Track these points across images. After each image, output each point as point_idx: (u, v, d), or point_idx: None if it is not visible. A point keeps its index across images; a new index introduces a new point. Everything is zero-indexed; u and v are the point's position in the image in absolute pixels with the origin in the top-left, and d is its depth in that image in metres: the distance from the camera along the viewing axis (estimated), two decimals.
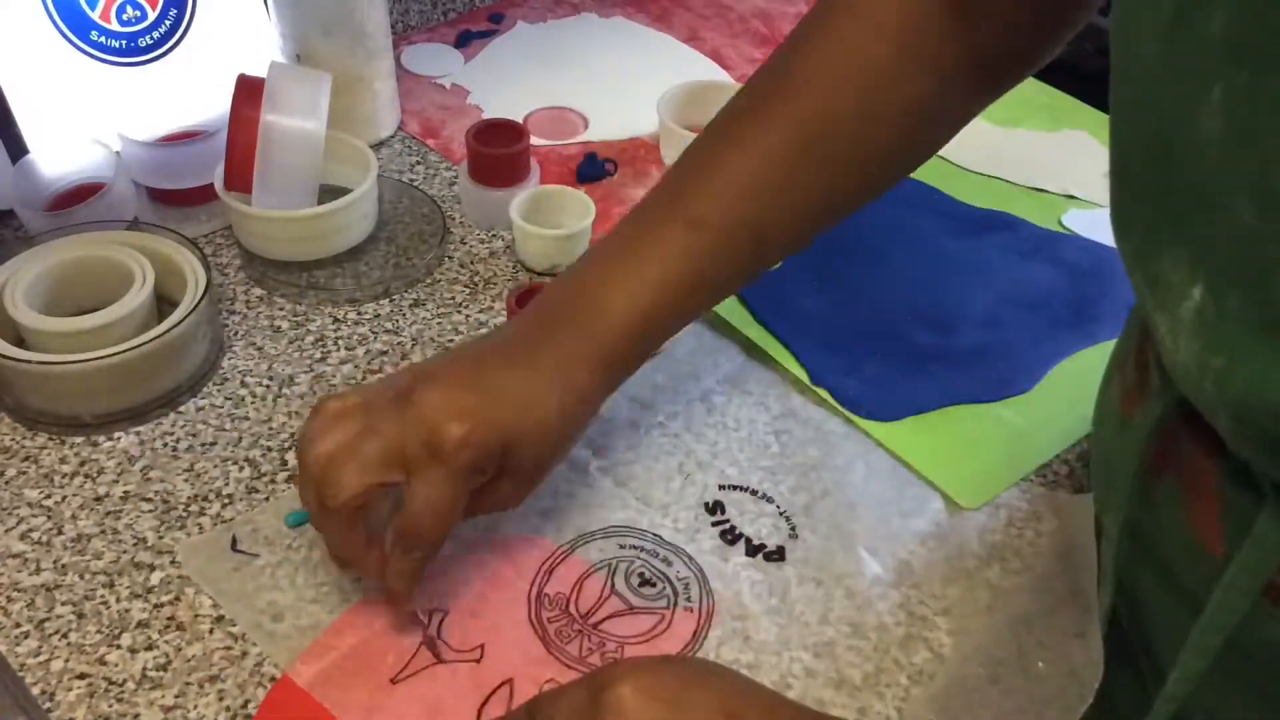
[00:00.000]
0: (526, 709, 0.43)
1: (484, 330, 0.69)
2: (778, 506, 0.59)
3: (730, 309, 0.71)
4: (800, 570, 0.56)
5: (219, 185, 0.69)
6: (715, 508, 0.59)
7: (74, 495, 0.58)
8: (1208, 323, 0.37)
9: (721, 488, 0.60)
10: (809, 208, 0.55)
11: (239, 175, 0.68)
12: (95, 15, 0.74)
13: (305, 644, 0.51)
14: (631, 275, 0.53)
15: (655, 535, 0.58)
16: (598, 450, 0.61)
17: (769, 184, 0.53)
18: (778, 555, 0.57)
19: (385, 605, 0.52)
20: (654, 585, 0.55)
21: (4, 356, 0.59)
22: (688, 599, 0.55)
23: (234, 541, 0.55)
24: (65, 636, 0.51)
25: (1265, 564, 0.40)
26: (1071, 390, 0.67)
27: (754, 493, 0.60)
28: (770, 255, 0.56)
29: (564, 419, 0.50)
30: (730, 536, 0.58)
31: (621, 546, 0.57)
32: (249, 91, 0.67)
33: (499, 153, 0.75)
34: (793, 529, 0.58)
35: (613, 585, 0.55)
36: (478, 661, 0.51)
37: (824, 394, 0.66)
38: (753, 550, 0.57)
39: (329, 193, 0.71)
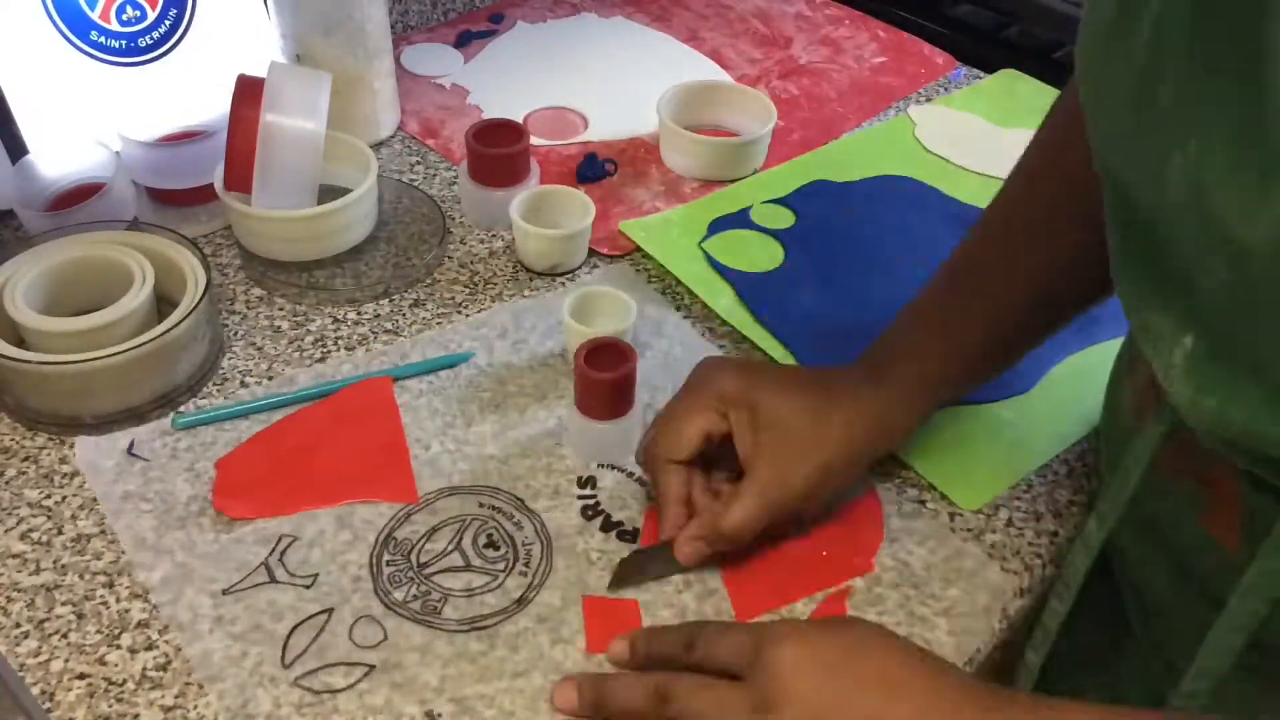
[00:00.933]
0: (687, 632, 0.48)
1: (483, 330, 0.69)
2: (647, 492, 0.60)
3: (730, 309, 0.71)
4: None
5: (219, 185, 0.69)
6: (586, 482, 0.60)
7: (74, 495, 0.58)
8: (1199, 368, 0.39)
9: (603, 465, 0.61)
10: (1090, 271, 0.53)
11: (239, 175, 0.68)
12: (95, 15, 0.74)
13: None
14: (920, 348, 0.57)
15: (516, 498, 0.59)
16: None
17: (1049, 247, 0.56)
18: (630, 537, 0.58)
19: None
20: (498, 549, 0.56)
21: (4, 357, 0.59)
22: (525, 565, 0.56)
23: (131, 445, 0.60)
24: (65, 636, 0.51)
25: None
26: (1070, 391, 0.67)
27: (630, 475, 0.61)
28: (1064, 313, 0.58)
29: (820, 399, 0.54)
30: (590, 512, 0.59)
31: (480, 505, 0.58)
32: (249, 91, 0.67)
33: (499, 153, 0.75)
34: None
35: (459, 542, 0.56)
36: (307, 588, 0.54)
37: None
38: (608, 526, 0.58)
39: (329, 193, 0.71)
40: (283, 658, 0.51)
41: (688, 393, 0.56)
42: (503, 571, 0.55)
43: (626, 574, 0.55)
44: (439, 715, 0.49)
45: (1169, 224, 0.39)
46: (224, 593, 0.53)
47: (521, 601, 0.54)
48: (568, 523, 0.58)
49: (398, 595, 0.54)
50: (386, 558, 0.55)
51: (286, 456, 0.59)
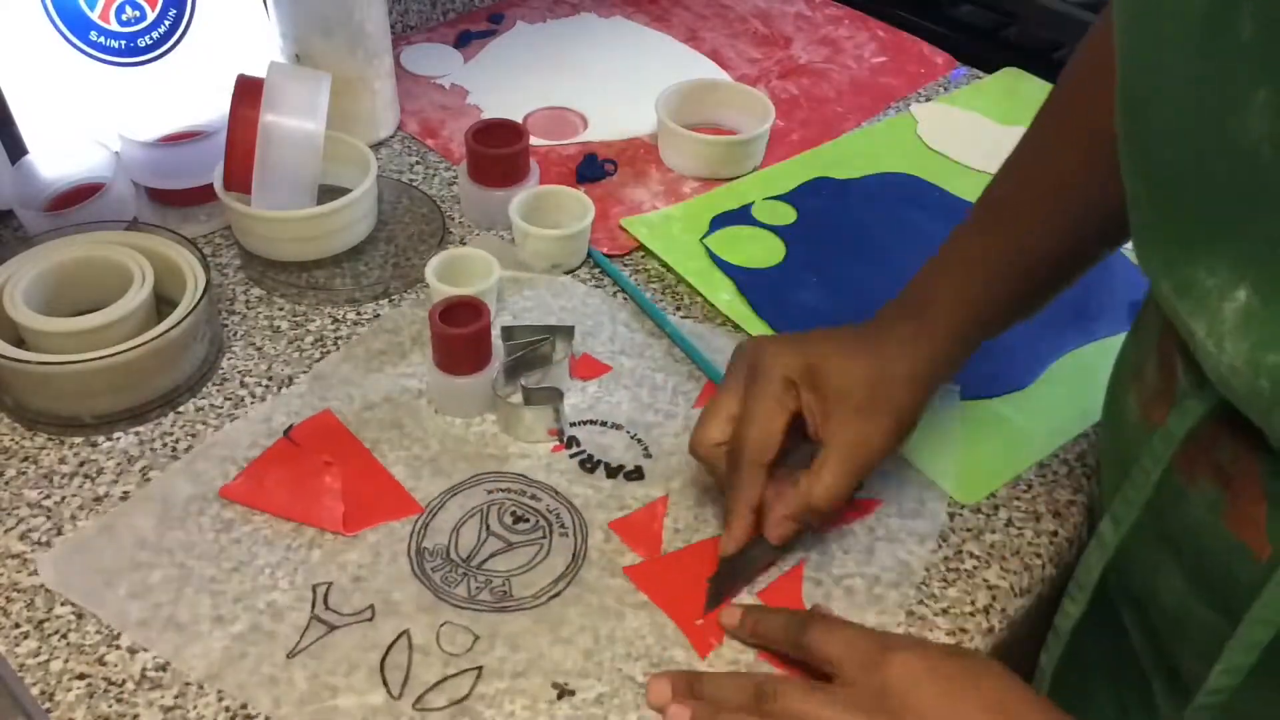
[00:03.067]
0: (801, 619, 0.49)
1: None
2: (628, 432, 0.63)
3: (732, 305, 0.71)
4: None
5: (218, 185, 0.69)
6: (570, 442, 0.62)
7: (74, 495, 0.58)
8: (1258, 321, 0.37)
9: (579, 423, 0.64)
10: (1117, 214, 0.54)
11: (238, 175, 0.68)
12: (94, 15, 0.74)
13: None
14: (947, 270, 0.58)
15: (519, 475, 0.60)
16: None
17: (1071, 186, 0.56)
18: (636, 474, 0.60)
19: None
20: (528, 521, 0.58)
21: (3, 357, 0.59)
22: (562, 526, 0.57)
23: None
24: (65, 637, 0.51)
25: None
26: (1070, 386, 0.67)
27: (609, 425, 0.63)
28: (1089, 255, 0.57)
29: (878, 356, 0.54)
30: (589, 465, 0.61)
31: (489, 492, 0.59)
32: (248, 91, 0.67)
33: (498, 153, 0.75)
34: (645, 450, 0.62)
35: (488, 527, 0.57)
36: (370, 620, 0.53)
37: None
38: (612, 472, 0.60)
39: (328, 193, 0.71)
40: (388, 691, 0.50)
41: (755, 384, 0.54)
42: (544, 539, 0.57)
43: (721, 589, 0.55)
44: (569, 688, 0.50)
45: (1239, 164, 0.36)
46: (289, 657, 0.51)
47: (576, 557, 0.56)
48: (575, 479, 0.60)
49: (461, 592, 0.54)
50: (430, 566, 0.55)
51: (290, 479, 0.59)
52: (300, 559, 0.55)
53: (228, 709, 0.49)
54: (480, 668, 0.51)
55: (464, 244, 0.76)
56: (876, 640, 0.46)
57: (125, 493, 0.58)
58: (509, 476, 0.60)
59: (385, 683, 0.50)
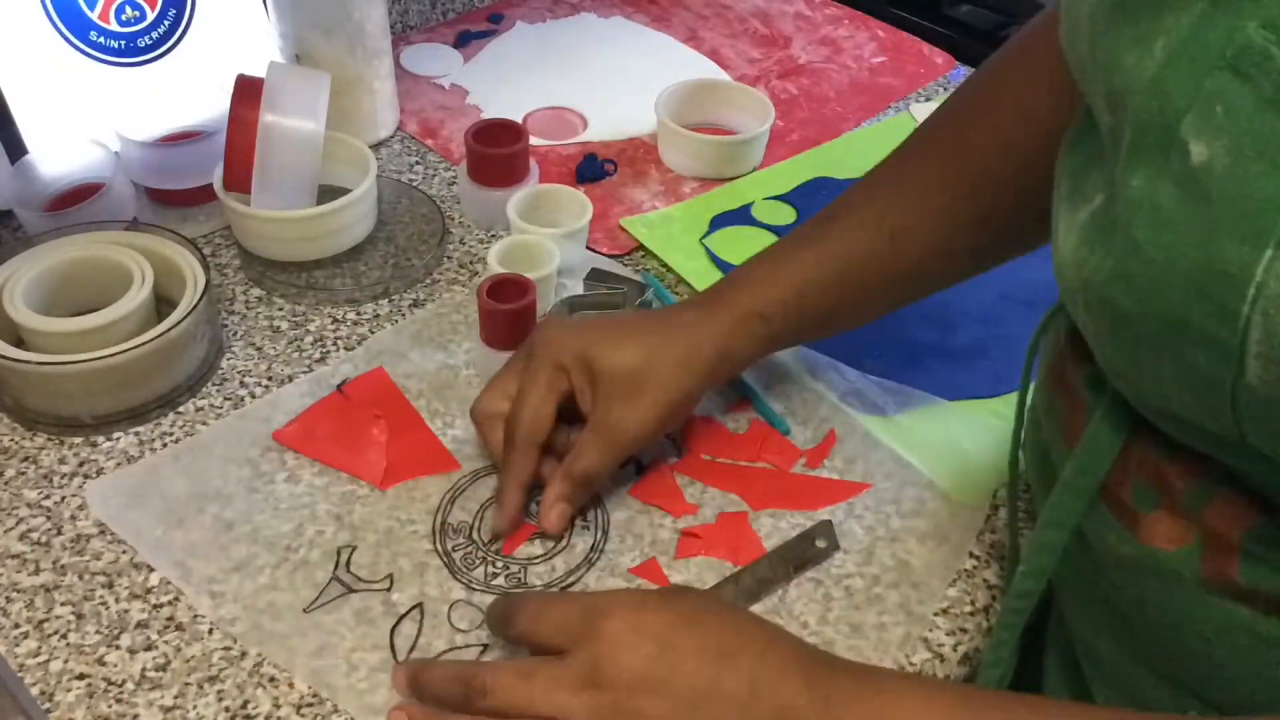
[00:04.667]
0: (506, 604, 0.48)
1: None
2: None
3: None
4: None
5: (218, 185, 0.69)
6: None
7: (73, 495, 0.58)
8: (1098, 223, 0.39)
9: None
10: (943, 223, 0.57)
11: (238, 175, 0.68)
12: (94, 15, 0.74)
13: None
14: (762, 259, 0.59)
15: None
16: None
17: (907, 192, 0.58)
18: None
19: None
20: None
21: (3, 357, 0.59)
22: (584, 520, 0.58)
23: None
24: (64, 637, 0.51)
25: (1099, 462, 0.43)
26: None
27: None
28: (910, 256, 0.58)
29: (656, 338, 0.56)
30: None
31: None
32: (248, 92, 0.67)
33: (498, 153, 0.75)
34: (678, 448, 0.62)
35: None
36: (388, 590, 0.54)
37: (823, 389, 0.66)
38: (640, 469, 0.61)
39: (328, 193, 0.71)
40: (394, 656, 0.51)
41: (529, 366, 0.57)
42: (566, 532, 0.57)
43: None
44: None
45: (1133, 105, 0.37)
46: (305, 611, 0.53)
47: (594, 549, 0.57)
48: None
49: (478, 575, 0.55)
50: (451, 544, 0.56)
51: (340, 431, 0.62)
52: (330, 518, 0.57)
53: (227, 709, 0.49)
54: (485, 645, 0.52)
55: (463, 244, 0.76)
56: (586, 606, 0.45)
57: (125, 493, 0.58)
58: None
59: (392, 648, 0.51)
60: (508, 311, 0.63)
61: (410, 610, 0.53)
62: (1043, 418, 0.49)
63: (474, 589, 0.54)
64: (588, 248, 0.75)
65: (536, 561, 0.56)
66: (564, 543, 0.57)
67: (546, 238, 0.70)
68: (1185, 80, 0.33)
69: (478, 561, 0.56)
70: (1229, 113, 0.32)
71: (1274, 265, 0.31)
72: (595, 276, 0.70)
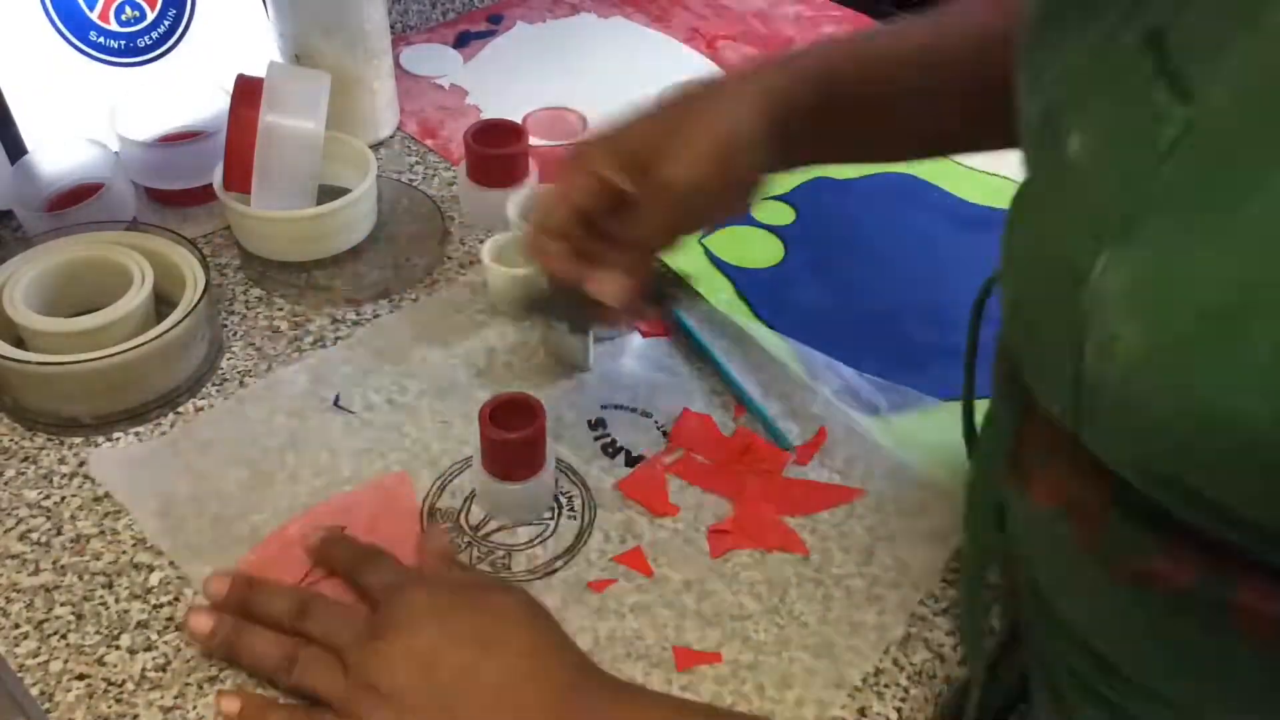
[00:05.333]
0: (357, 553, 0.53)
1: (484, 330, 0.69)
2: (655, 421, 0.64)
3: (730, 305, 0.71)
4: None
5: (218, 186, 0.69)
6: (597, 424, 0.63)
7: (73, 496, 0.58)
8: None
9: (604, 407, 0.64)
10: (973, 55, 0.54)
11: (238, 175, 0.68)
12: (94, 15, 0.74)
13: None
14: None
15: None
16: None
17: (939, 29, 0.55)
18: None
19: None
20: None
21: (3, 357, 0.59)
22: (571, 510, 0.59)
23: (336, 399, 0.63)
24: (64, 637, 0.51)
25: (1005, 428, 0.44)
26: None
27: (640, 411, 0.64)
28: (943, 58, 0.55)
29: (679, 109, 0.52)
30: (611, 450, 0.62)
31: None
32: (248, 92, 0.67)
33: (497, 153, 0.75)
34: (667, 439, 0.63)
35: None
36: None
37: (818, 386, 0.66)
38: (631, 461, 0.61)
39: (328, 193, 0.71)
40: None
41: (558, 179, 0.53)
42: (551, 519, 0.58)
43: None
44: None
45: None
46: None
47: (580, 536, 0.57)
48: (595, 463, 0.61)
49: (463, 559, 0.56)
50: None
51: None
52: (316, 501, 0.58)
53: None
54: None
55: (463, 244, 0.76)
56: (405, 573, 0.51)
57: (126, 491, 0.58)
58: None
59: None
60: (514, 441, 0.55)
61: None
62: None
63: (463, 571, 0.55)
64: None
65: (520, 549, 0.56)
66: (549, 530, 0.57)
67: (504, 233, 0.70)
68: (1085, 73, 0.35)
69: (463, 546, 0.56)
70: (1098, 110, 0.33)
71: (1108, 270, 0.32)
72: None
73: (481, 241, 0.76)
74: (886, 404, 0.66)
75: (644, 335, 0.69)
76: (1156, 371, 0.31)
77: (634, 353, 0.68)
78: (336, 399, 0.63)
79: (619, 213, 0.52)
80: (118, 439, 0.61)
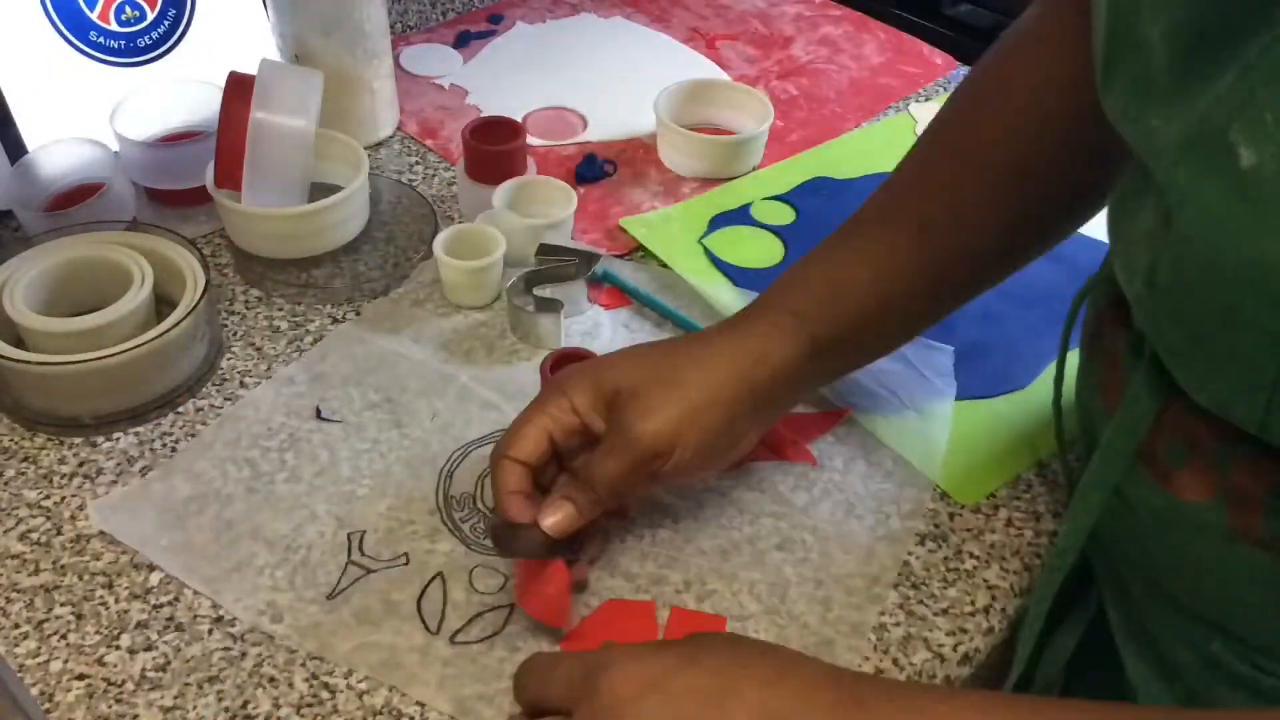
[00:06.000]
0: (521, 670, 0.46)
1: (483, 329, 0.69)
2: None
3: (731, 306, 0.71)
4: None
5: (209, 183, 0.69)
6: None
7: (73, 496, 0.58)
8: None
9: None
10: (972, 218, 0.56)
11: (229, 172, 0.68)
12: (94, 16, 0.74)
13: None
14: (793, 281, 0.56)
15: None
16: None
17: (932, 190, 0.56)
18: None
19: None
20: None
21: (3, 357, 0.59)
22: None
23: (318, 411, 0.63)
24: (64, 637, 0.51)
25: (1138, 424, 0.46)
26: (1070, 386, 0.67)
27: None
28: (941, 257, 0.55)
29: (673, 354, 0.53)
30: None
31: None
32: (239, 89, 0.67)
33: (494, 149, 0.75)
34: None
35: None
36: (405, 565, 0.55)
37: (823, 392, 0.66)
38: None
39: (324, 191, 0.71)
40: (426, 627, 0.52)
41: (536, 399, 0.53)
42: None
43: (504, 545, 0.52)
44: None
45: None
46: (329, 598, 0.53)
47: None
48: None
49: (490, 543, 0.56)
50: (459, 516, 0.58)
51: None
52: (333, 509, 0.58)
53: (227, 709, 0.49)
54: (511, 605, 0.53)
55: None
56: (586, 663, 0.42)
57: (124, 493, 0.58)
58: None
59: (423, 620, 0.53)
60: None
61: (432, 579, 0.54)
62: (1081, 382, 0.53)
63: (490, 556, 0.56)
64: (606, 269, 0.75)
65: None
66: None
67: (491, 224, 0.70)
68: (1237, 86, 0.36)
69: (487, 530, 0.57)
70: (1276, 120, 0.35)
71: None
72: (546, 251, 0.70)
73: None
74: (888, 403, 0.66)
75: (606, 308, 0.72)
76: None
77: (605, 327, 0.70)
78: (318, 411, 0.63)
79: (585, 449, 0.53)
80: (115, 484, 0.60)
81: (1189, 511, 0.45)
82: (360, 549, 0.56)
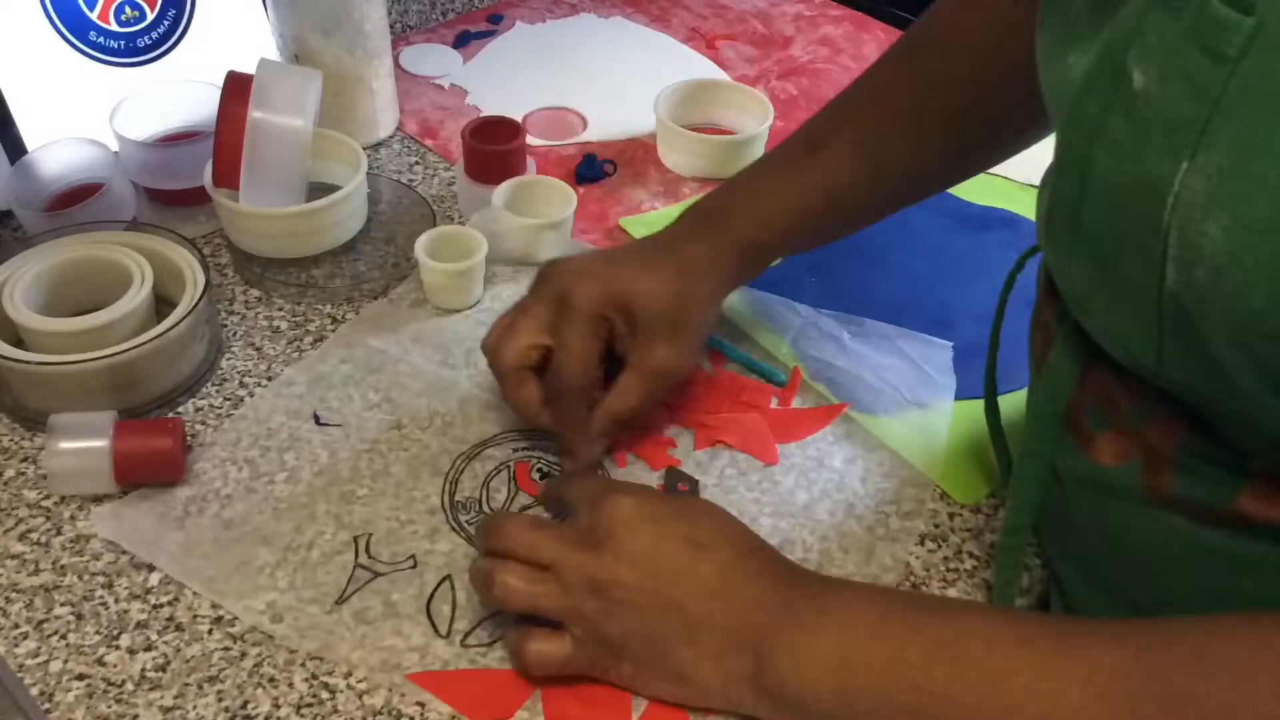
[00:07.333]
0: (548, 486, 0.57)
1: (482, 329, 0.69)
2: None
3: (729, 305, 0.71)
4: None
5: (207, 182, 0.69)
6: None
7: (73, 496, 0.58)
8: None
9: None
10: (920, 149, 0.60)
11: (227, 172, 0.67)
12: (94, 16, 0.74)
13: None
14: (753, 190, 0.62)
15: (543, 432, 0.61)
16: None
17: (884, 123, 0.61)
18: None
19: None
20: (553, 477, 0.60)
21: (3, 357, 0.59)
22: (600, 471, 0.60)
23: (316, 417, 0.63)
24: (64, 637, 0.51)
25: (1062, 388, 0.47)
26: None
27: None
28: (890, 182, 0.62)
29: (683, 279, 0.59)
30: None
31: (515, 450, 0.62)
32: (237, 88, 0.67)
33: (494, 149, 0.75)
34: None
35: (515, 483, 0.60)
36: (413, 568, 0.55)
37: (822, 389, 0.66)
38: None
39: (322, 191, 0.71)
40: (435, 630, 0.52)
41: (568, 317, 0.57)
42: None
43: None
44: None
45: None
46: (337, 603, 0.53)
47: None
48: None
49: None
50: (465, 519, 0.58)
51: None
52: (333, 509, 0.58)
53: (227, 709, 0.49)
54: None
55: None
56: (607, 484, 0.54)
57: (124, 493, 0.58)
58: (535, 434, 0.62)
59: (433, 623, 0.53)
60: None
61: (441, 583, 0.54)
62: (1029, 357, 0.54)
63: (499, 556, 0.55)
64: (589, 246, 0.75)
65: None
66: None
67: (491, 225, 0.71)
68: (1131, 14, 0.37)
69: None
70: (1160, 41, 0.36)
71: (1188, 177, 0.35)
72: None
73: None
74: (848, 335, 0.69)
75: None
76: (1247, 258, 0.34)
77: None
78: (316, 417, 0.62)
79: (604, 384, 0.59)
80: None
81: (1109, 477, 0.46)
82: (367, 551, 0.56)
